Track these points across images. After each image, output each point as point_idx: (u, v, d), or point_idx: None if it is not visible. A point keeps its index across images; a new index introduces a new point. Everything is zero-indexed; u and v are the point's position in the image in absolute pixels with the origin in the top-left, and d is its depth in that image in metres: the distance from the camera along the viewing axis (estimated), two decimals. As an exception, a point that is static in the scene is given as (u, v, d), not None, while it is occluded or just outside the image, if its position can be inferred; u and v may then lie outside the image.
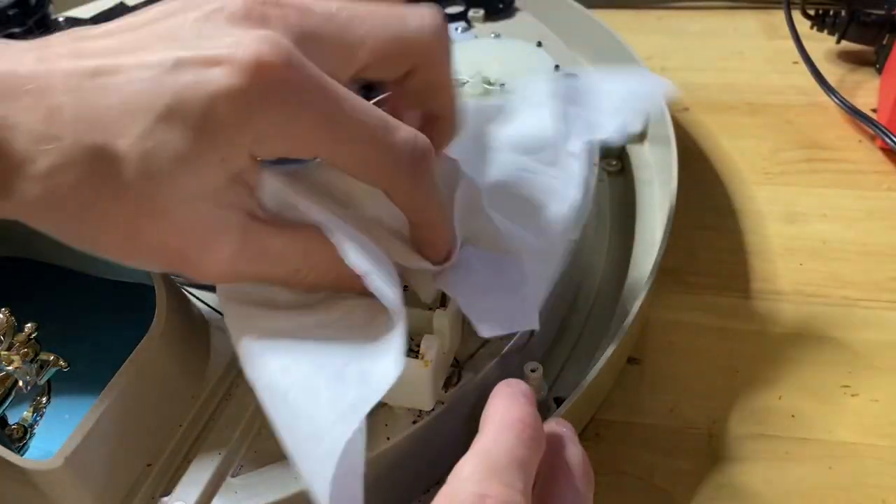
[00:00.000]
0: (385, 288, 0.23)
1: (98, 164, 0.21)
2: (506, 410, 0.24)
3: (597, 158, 0.40)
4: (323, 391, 0.22)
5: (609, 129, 0.31)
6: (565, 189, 0.29)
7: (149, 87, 0.20)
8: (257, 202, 0.23)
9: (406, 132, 0.23)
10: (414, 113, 0.27)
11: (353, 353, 0.23)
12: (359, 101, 0.23)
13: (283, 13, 0.22)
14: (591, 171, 0.29)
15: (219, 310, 0.31)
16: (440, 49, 0.25)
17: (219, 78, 0.20)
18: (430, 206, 0.25)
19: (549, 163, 0.30)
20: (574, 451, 0.25)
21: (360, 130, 0.22)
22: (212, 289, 0.32)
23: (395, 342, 0.23)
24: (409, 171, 0.23)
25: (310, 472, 0.21)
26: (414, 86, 0.25)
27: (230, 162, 0.22)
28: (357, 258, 0.23)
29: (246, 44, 0.21)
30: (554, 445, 0.25)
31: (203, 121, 0.21)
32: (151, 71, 0.21)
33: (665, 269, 0.37)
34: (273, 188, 0.23)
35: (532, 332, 0.29)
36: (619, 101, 0.32)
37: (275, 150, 0.22)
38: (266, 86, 0.21)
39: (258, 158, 0.23)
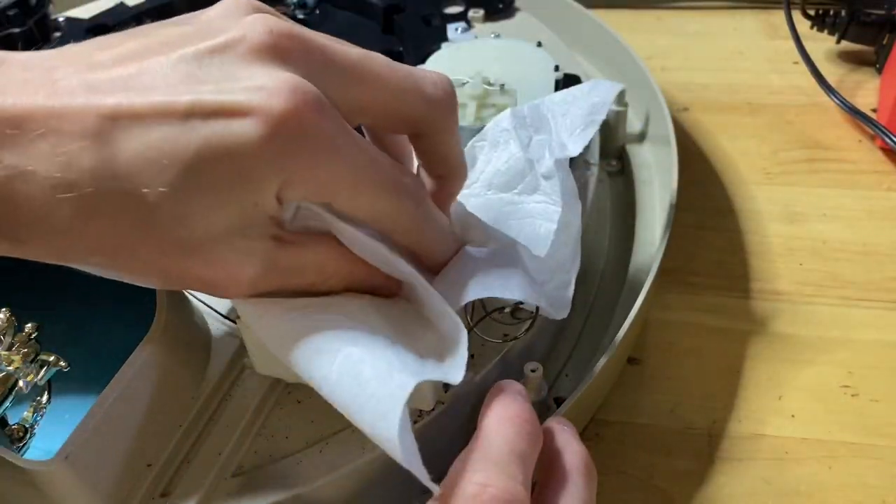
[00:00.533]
0: (432, 294, 0.24)
1: (124, 211, 0.20)
2: (504, 407, 0.24)
3: (596, 158, 0.40)
4: (388, 350, 0.22)
5: (573, 148, 0.32)
6: (551, 208, 0.31)
7: (174, 137, 0.20)
8: (280, 223, 0.23)
9: (410, 177, 0.24)
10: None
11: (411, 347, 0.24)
12: (374, 148, 0.23)
13: (307, 53, 0.22)
14: (570, 179, 0.30)
15: (219, 310, 0.31)
16: (448, 119, 0.25)
17: (247, 130, 0.20)
18: (430, 235, 0.26)
19: (531, 191, 0.32)
20: (576, 449, 0.25)
21: (379, 178, 0.23)
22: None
23: (460, 345, 0.23)
24: (412, 212, 0.24)
25: (375, 411, 0.21)
26: (421, 147, 0.26)
27: (260, 205, 0.22)
28: (404, 267, 0.24)
29: (274, 90, 0.20)
30: (555, 444, 0.25)
31: (232, 171, 0.20)
32: (175, 118, 0.20)
33: (665, 269, 0.37)
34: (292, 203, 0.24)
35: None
36: (578, 120, 0.33)
37: (299, 194, 0.22)
38: (295, 135, 0.20)
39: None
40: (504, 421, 0.23)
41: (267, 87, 0.20)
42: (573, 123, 0.33)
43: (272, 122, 0.20)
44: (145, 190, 0.20)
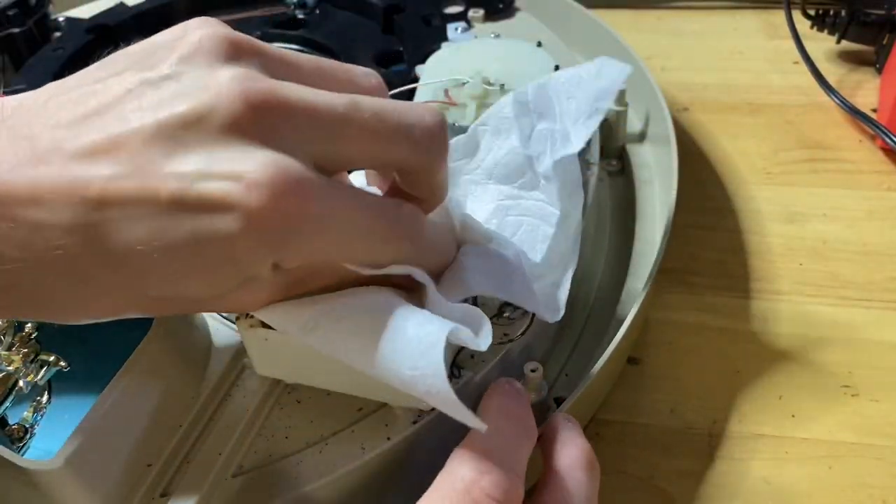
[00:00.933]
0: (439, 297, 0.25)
1: (127, 290, 0.21)
2: (501, 402, 0.25)
3: (596, 158, 0.40)
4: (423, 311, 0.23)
5: (577, 142, 0.31)
6: (548, 209, 0.31)
7: (161, 230, 0.20)
8: None
9: (405, 213, 0.24)
10: None
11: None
12: (362, 198, 0.23)
13: (288, 118, 0.21)
14: (575, 169, 0.30)
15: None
16: (436, 162, 0.24)
17: (230, 224, 0.20)
18: (431, 257, 0.26)
19: (530, 188, 0.32)
20: (579, 444, 0.25)
21: (374, 234, 0.23)
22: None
23: (483, 318, 0.24)
24: (410, 248, 0.24)
25: (416, 350, 0.22)
26: (405, 179, 0.25)
27: (257, 275, 0.22)
28: (414, 270, 0.24)
29: (252, 182, 0.19)
30: (559, 439, 0.26)
31: (222, 259, 0.21)
32: (159, 209, 0.20)
33: (665, 269, 0.37)
34: None
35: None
36: (584, 105, 0.32)
37: (293, 264, 0.22)
38: (277, 227, 0.20)
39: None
40: (500, 416, 0.24)
41: (245, 177, 0.20)
42: (578, 109, 0.32)
43: (252, 217, 0.20)
44: (141, 279, 0.21)
